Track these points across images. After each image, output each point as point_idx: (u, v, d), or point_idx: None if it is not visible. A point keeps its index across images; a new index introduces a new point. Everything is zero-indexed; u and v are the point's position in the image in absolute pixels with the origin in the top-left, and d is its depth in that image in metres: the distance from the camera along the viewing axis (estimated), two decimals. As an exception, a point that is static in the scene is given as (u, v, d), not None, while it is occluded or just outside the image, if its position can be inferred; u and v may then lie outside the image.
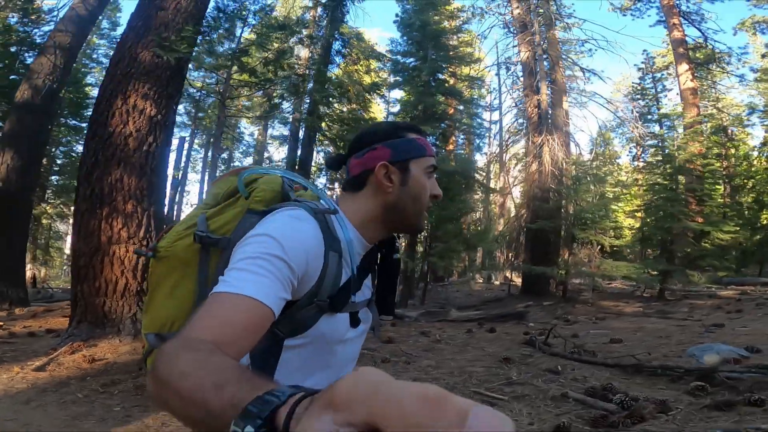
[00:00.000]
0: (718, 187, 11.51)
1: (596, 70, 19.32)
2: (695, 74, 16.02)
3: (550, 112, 12.00)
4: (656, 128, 15.87)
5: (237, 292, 0.55)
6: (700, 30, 16.03)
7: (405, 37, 10.14)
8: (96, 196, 4.14)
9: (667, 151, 10.69)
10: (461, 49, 13.85)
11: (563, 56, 19.04)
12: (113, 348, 3.97)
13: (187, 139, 14.95)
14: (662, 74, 20.15)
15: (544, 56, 12.90)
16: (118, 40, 4.90)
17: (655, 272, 9.21)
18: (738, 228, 9.71)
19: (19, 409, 2.39)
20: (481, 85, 17.26)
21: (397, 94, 14.67)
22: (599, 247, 9.79)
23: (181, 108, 12.70)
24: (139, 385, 2.89)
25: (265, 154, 18.75)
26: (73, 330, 4.21)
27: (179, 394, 0.39)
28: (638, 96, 19.65)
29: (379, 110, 11.24)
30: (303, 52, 10.31)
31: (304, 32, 9.32)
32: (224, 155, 19.93)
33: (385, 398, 0.22)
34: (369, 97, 9.54)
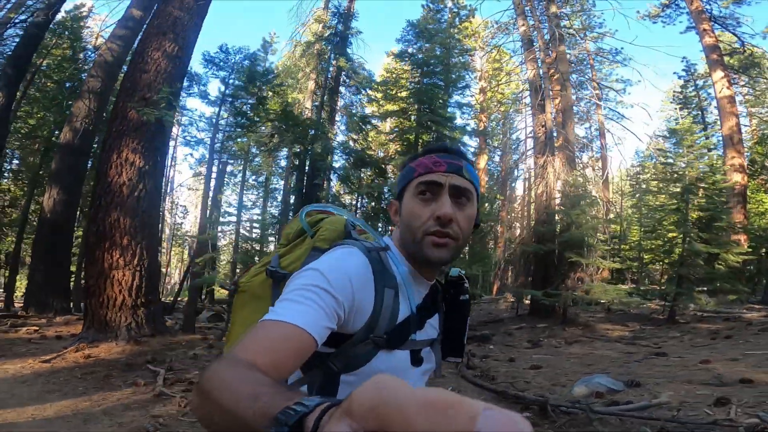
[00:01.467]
0: (728, 207, 10.92)
1: (606, 83, 18.82)
2: (732, 81, 15.18)
3: (555, 131, 12.08)
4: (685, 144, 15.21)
5: (280, 320, 0.58)
6: (735, 34, 15.20)
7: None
8: (100, 233, 5.34)
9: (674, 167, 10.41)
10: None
11: (579, 71, 18.76)
12: (108, 349, 5.09)
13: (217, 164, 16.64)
14: (705, 81, 19.14)
15: (556, 73, 12.99)
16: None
17: (655, 295, 9.05)
18: (750, 250, 9.25)
19: (14, 386, 3.47)
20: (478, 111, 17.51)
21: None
22: (599, 270, 9.79)
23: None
24: (107, 375, 3.90)
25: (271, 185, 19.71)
26: (83, 334, 5.42)
27: (219, 404, 0.41)
28: (681, 104, 18.76)
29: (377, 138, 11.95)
30: (310, 84, 11.36)
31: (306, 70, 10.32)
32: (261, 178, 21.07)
33: (392, 405, 0.23)
34: (364, 127, 10.31)
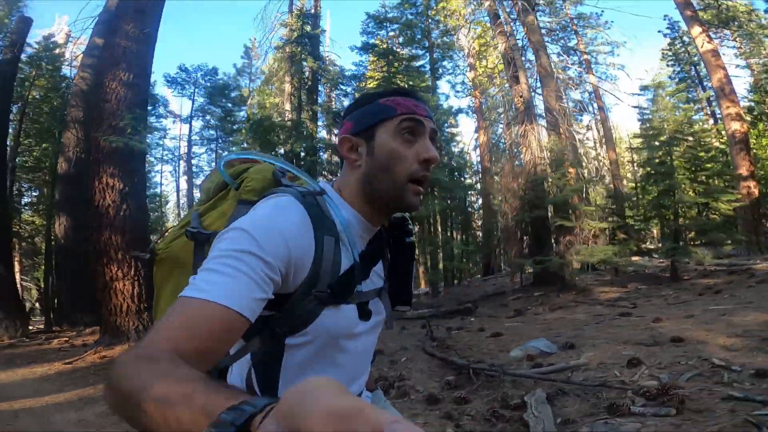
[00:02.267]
0: (713, 154, 10.82)
1: (593, 47, 18.44)
2: (710, 36, 14.86)
3: (533, 100, 12.19)
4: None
5: (202, 297, 0.51)
6: None
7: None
8: (97, 251, 6.06)
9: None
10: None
11: (565, 37, 18.53)
12: (121, 350, 5.82)
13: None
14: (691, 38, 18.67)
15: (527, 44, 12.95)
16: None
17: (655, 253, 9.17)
18: (740, 196, 9.26)
19: (39, 383, 4.23)
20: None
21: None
22: (591, 232, 10.01)
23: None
24: (98, 367, 4.60)
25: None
26: (101, 340, 6.20)
27: (142, 406, 0.38)
28: (672, 62, 18.34)
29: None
30: (286, 87, 11.84)
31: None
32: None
33: (304, 413, 0.23)
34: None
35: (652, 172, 9.97)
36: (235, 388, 0.52)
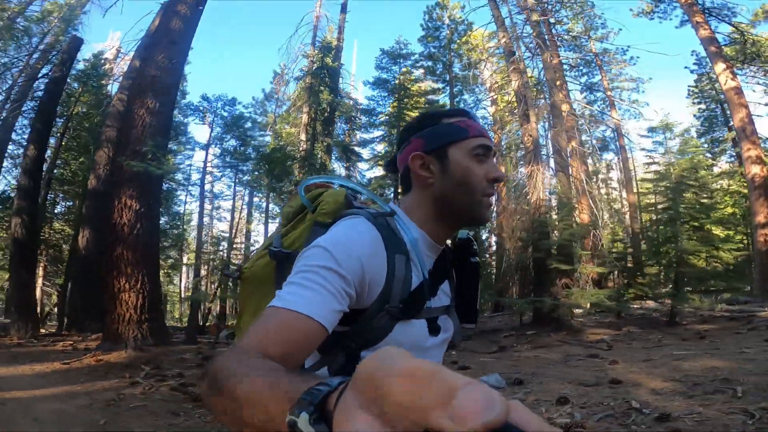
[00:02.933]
0: (718, 203, 10.85)
1: (617, 83, 18.77)
2: (735, 73, 14.98)
3: (544, 139, 12.65)
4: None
5: (287, 307, 0.58)
6: (732, 25, 15.01)
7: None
8: (109, 264, 6.89)
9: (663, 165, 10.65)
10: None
11: (588, 73, 19.02)
12: (118, 355, 6.48)
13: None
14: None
15: (542, 82, 13.52)
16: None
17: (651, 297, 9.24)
18: (741, 245, 9.30)
19: (34, 378, 4.89)
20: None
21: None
22: (589, 276, 10.21)
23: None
24: (107, 372, 5.24)
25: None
26: (101, 345, 6.92)
27: (234, 396, 0.42)
28: (698, 100, 18.48)
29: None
30: (303, 117, 12.84)
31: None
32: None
33: (383, 377, 0.24)
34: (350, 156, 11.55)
35: (657, 217, 10.15)
36: (316, 375, 0.57)
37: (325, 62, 12.73)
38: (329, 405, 0.30)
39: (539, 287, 10.62)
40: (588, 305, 9.40)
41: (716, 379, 3.77)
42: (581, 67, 21.71)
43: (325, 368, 0.72)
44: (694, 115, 18.72)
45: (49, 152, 13.00)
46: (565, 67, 20.53)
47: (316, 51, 13.16)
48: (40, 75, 11.05)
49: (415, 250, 0.73)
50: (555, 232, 10.79)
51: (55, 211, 16.06)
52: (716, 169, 17.82)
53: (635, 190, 19.37)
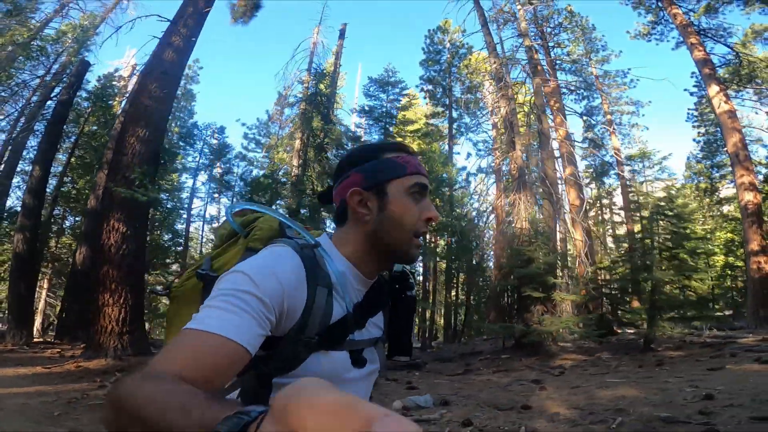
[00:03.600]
0: (694, 232, 11.11)
1: (617, 107, 19.17)
2: (729, 96, 15.19)
3: (525, 168, 13.13)
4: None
5: (204, 329, 0.57)
6: (728, 46, 15.32)
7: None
8: (97, 281, 7.67)
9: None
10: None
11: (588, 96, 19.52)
12: (97, 363, 7.15)
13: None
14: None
15: (532, 108, 14.08)
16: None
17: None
18: (708, 276, 9.59)
19: (14, 379, 5.58)
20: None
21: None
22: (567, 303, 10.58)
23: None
24: (82, 377, 5.92)
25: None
26: (84, 353, 7.68)
27: (142, 419, 0.41)
28: (697, 123, 18.76)
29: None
30: (296, 143, 13.68)
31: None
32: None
33: (300, 409, 0.25)
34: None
35: (634, 246, 10.51)
36: (232, 401, 0.56)
37: (319, 89, 13.61)
38: None
39: (518, 313, 11.06)
40: (555, 331, 9.74)
41: (611, 409, 4.19)
42: (581, 90, 22.20)
43: (237, 390, 0.73)
44: (694, 139, 18.90)
45: (60, 168, 14.16)
46: (564, 90, 21.11)
47: (311, 77, 14.03)
48: (51, 95, 12.20)
49: (340, 283, 0.75)
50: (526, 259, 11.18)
51: (64, 225, 17.20)
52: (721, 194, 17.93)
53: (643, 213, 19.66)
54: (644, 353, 8.78)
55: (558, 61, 19.94)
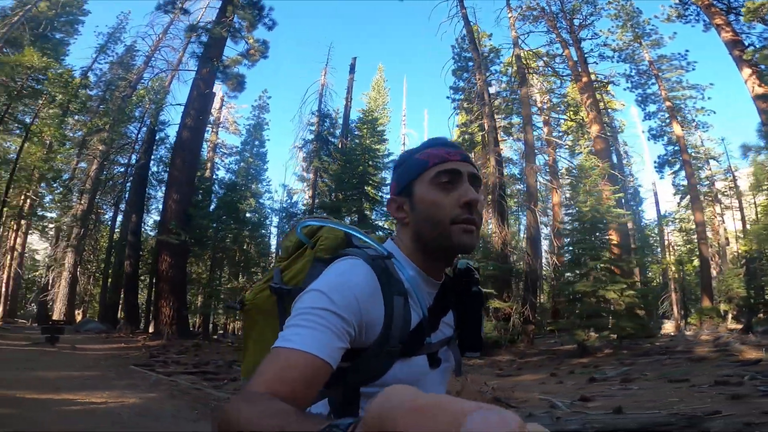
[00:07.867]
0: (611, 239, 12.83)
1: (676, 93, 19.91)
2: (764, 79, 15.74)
3: (498, 185, 16.07)
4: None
5: (291, 347, 0.70)
6: (763, 20, 15.63)
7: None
8: (157, 293, 14.58)
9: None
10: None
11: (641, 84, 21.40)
12: (156, 343, 13.80)
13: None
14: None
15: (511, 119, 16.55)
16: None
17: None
18: (625, 286, 11.92)
19: (99, 358, 12.23)
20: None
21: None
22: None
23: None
24: (145, 352, 12.49)
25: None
26: (151, 336, 14.58)
27: None
28: None
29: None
30: (311, 176, 19.40)
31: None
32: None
33: (390, 416, 0.30)
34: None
35: (567, 258, 13.31)
36: (323, 416, 0.71)
37: (324, 128, 19.06)
38: None
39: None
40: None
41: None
42: (634, 77, 22.99)
43: (326, 401, 0.87)
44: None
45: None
46: (612, 80, 22.49)
47: (319, 118, 19.51)
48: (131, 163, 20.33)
49: (414, 288, 0.87)
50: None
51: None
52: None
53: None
54: (580, 357, 11.49)
55: (593, 53, 21.40)
